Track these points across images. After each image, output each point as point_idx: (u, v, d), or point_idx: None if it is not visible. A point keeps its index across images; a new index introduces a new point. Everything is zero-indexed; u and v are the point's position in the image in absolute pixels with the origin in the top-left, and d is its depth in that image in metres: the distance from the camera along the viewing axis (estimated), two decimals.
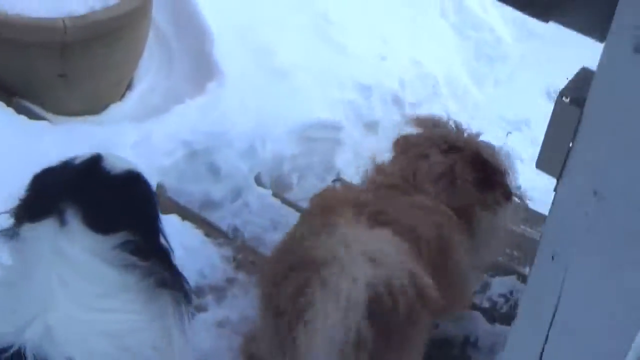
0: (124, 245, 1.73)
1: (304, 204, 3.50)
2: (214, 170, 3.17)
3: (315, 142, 3.65)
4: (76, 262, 1.68)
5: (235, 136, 3.27)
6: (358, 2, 4.44)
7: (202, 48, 3.62)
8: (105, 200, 1.79)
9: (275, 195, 3.31)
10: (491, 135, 5.08)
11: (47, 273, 1.67)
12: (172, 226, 2.10)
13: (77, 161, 1.84)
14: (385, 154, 3.94)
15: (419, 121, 2.56)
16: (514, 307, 2.95)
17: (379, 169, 2.45)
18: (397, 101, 4.15)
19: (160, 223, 1.88)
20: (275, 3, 3.97)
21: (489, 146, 2.47)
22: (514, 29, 5.24)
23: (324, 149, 3.71)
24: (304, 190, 3.58)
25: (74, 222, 1.70)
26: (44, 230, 1.71)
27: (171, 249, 1.87)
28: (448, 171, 2.31)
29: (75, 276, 1.67)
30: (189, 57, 3.65)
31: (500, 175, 2.39)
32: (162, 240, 1.86)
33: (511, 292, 3.02)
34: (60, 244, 1.69)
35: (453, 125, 2.50)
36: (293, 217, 3.26)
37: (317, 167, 3.70)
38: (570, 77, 1.21)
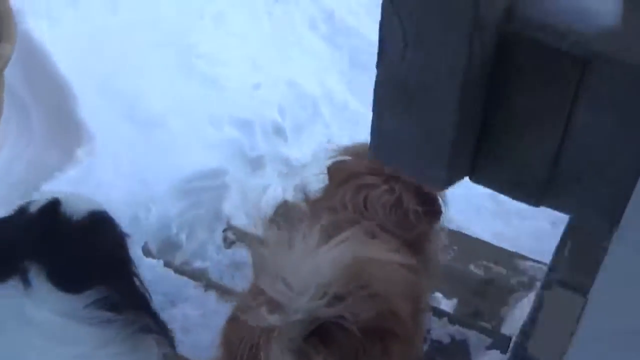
0: (97, 303, 1.58)
1: (196, 264, 3.30)
2: None
3: (200, 193, 3.42)
4: (46, 326, 1.52)
5: (116, 208, 2.95)
6: (225, 29, 4.17)
7: (64, 107, 3.28)
8: (70, 253, 1.64)
9: (166, 264, 3.06)
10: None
11: (14, 343, 1.50)
12: None
13: (33, 209, 1.68)
14: (270, 191, 3.78)
15: (351, 149, 2.50)
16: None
17: (319, 203, 2.34)
18: (279, 130, 3.94)
19: (134, 266, 1.75)
20: (136, 44, 3.65)
21: None
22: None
23: (210, 198, 3.47)
24: (194, 247, 3.36)
25: (39, 283, 1.55)
26: (5, 295, 1.55)
27: (149, 293, 1.74)
28: (397, 202, 2.25)
29: (46, 342, 1.51)
30: (49, 118, 3.30)
31: (437, 201, 2.40)
32: (138, 284, 1.72)
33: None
34: (26, 309, 1.52)
35: None
36: (188, 286, 3.04)
37: (204, 219, 3.46)
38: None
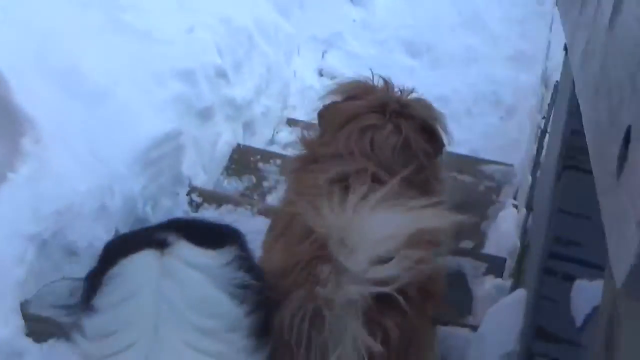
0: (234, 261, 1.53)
1: None
2: (71, 253, 2.72)
3: (159, 161, 3.25)
4: (186, 283, 1.47)
5: (81, 201, 2.80)
6: None
7: None
8: (201, 226, 1.65)
9: None
10: (308, 57, 4.88)
11: (154, 294, 1.45)
12: None
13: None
14: (222, 139, 3.63)
15: (344, 88, 2.39)
16: None
17: (321, 149, 2.20)
18: (220, 72, 3.76)
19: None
20: (58, 8, 3.34)
21: (423, 103, 2.36)
22: None
23: (168, 163, 3.31)
24: (161, 217, 3.21)
25: (178, 243, 1.50)
26: (144, 258, 1.49)
27: None
28: (405, 142, 2.16)
29: (182, 303, 1.46)
30: None
31: (439, 135, 2.32)
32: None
33: None
34: (166, 263, 1.47)
35: (383, 85, 2.34)
36: None
37: (167, 186, 3.32)
38: None
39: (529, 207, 3.38)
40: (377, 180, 2.00)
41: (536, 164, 3.50)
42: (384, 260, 1.61)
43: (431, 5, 5.31)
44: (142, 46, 3.48)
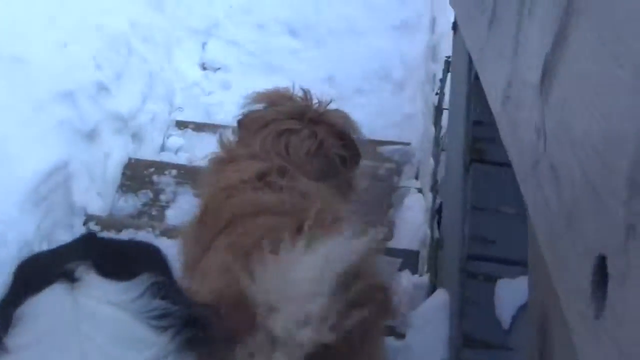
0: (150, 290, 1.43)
1: None
2: None
3: (49, 196, 3.07)
4: (105, 322, 1.38)
5: None
6: None
7: None
8: (114, 253, 1.51)
9: None
10: (188, 46, 4.71)
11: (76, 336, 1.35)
12: None
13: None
14: (113, 157, 3.47)
15: (264, 97, 2.41)
16: None
17: (236, 151, 2.21)
18: (101, 87, 3.57)
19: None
20: None
21: (340, 113, 2.41)
22: None
23: (60, 196, 3.14)
24: None
25: (88, 276, 1.39)
26: (55, 296, 1.37)
27: None
28: (320, 147, 2.21)
29: (107, 343, 1.38)
30: None
31: (357, 146, 2.36)
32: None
33: None
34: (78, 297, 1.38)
35: (301, 95, 2.38)
36: None
37: (62, 220, 3.15)
38: None
39: (435, 191, 3.38)
40: (294, 179, 2.03)
41: (437, 145, 3.49)
42: (311, 319, 1.47)
43: None
44: (14, 73, 3.26)
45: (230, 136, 2.38)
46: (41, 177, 2.99)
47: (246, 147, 2.19)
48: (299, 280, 1.52)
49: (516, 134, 1.13)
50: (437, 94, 3.79)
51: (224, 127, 4.14)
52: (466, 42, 1.83)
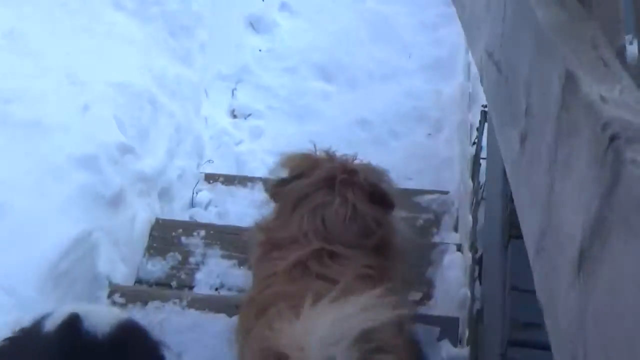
0: None
1: None
2: None
3: (72, 270, 2.96)
4: None
5: None
6: (21, 48, 3.54)
7: None
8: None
9: None
10: (217, 93, 4.61)
11: None
12: None
13: (49, 327, 1.47)
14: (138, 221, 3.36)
15: (291, 163, 2.53)
16: None
17: (277, 232, 2.34)
18: (124, 148, 3.46)
19: None
20: None
21: (368, 167, 2.52)
22: None
23: (83, 269, 3.02)
24: None
25: None
26: None
27: None
28: (353, 212, 2.30)
29: None
30: None
31: (388, 195, 2.45)
32: None
33: None
34: None
35: (325, 156, 2.51)
36: None
37: (85, 294, 3.03)
38: None
39: (474, 249, 3.21)
40: (334, 256, 2.17)
41: (475, 201, 3.32)
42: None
43: (337, 21, 5.05)
44: (32, 139, 3.17)
45: (263, 201, 2.63)
46: (62, 252, 2.88)
47: (284, 229, 2.31)
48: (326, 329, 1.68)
49: (551, 292, 0.97)
50: (474, 143, 3.62)
51: (254, 179, 4.04)
52: (499, 144, 1.68)
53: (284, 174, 2.52)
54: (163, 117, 3.85)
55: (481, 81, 2.14)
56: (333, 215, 2.28)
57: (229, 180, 4.11)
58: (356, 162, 2.51)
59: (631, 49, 1.23)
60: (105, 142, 3.34)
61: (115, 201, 3.28)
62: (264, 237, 2.38)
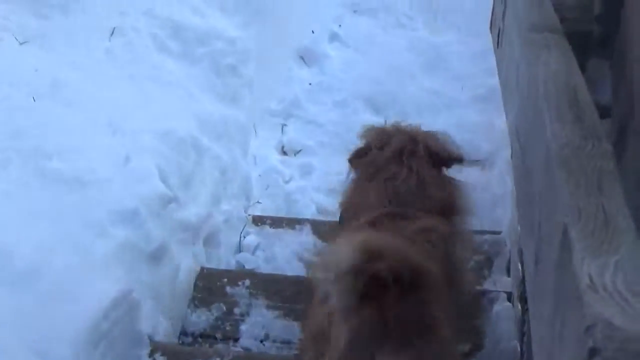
0: None
1: None
2: None
3: (112, 330, 2.92)
4: None
5: None
6: (63, 98, 3.54)
7: None
8: None
9: None
10: (266, 130, 4.56)
11: None
12: None
13: None
14: (182, 272, 3.32)
15: (368, 136, 2.95)
16: None
17: (355, 199, 2.76)
18: (167, 199, 3.42)
19: None
20: None
21: (430, 135, 2.90)
22: (235, 16, 4.53)
23: (123, 328, 2.98)
24: None
25: None
26: None
27: None
28: (418, 180, 2.66)
29: None
30: None
31: (452, 153, 2.87)
32: None
33: None
34: None
35: (394, 129, 2.92)
36: None
37: (125, 353, 3.00)
38: None
39: (522, 300, 3.08)
40: (403, 217, 2.48)
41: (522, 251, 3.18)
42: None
43: (387, 52, 4.96)
44: (74, 195, 3.15)
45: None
46: (101, 313, 2.84)
47: (362, 195, 2.71)
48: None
49: None
50: None
51: (302, 220, 3.97)
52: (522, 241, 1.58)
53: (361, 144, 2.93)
54: (208, 161, 3.81)
55: (511, 147, 2.06)
56: (402, 185, 2.63)
57: (277, 222, 4.05)
58: (420, 131, 2.91)
59: None
60: (146, 194, 3.30)
61: (157, 255, 3.25)
62: (345, 200, 2.82)
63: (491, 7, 3.88)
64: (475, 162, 3.39)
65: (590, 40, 2.30)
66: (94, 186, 3.21)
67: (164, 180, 3.45)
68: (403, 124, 2.98)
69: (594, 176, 0.96)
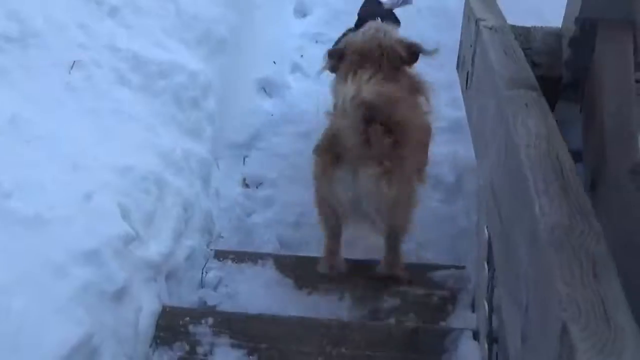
0: None
1: None
2: None
3: None
4: None
5: None
6: (23, 134, 3.46)
7: None
8: None
9: None
10: (227, 163, 4.49)
11: None
12: None
13: None
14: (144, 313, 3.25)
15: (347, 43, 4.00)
16: None
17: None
18: (129, 238, 3.35)
19: None
20: None
21: (394, 39, 3.95)
22: (196, 48, 4.49)
23: None
24: None
25: None
26: None
27: None
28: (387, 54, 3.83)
29: None
30: None
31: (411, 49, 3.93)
32: None
33: None
34: None
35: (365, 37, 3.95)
36: None
37: None
38: None
39: (490, 339, 3.06)
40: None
41: (491, 289, 3.17)
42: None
43: None
44: (33, 235, 3.07)
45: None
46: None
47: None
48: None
49: None
50: None
51: (264, 255, 3.93)
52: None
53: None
54: (170, 197, 3.75)
55: (484, 200, 2.03)
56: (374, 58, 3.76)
57: (240, 257, 4.01)
58: (386, 38, 3.88)
59: None
60: (107, 233, 3.24)
61: (119, 295, 3.18)
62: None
63: (458, 45, 3.90)
64: (430, 52, 3.93)
65: (559, 85, 2.31)
66: (53, 225, 3.13)
67: (125, 217, 3.39)
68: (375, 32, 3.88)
69: (588, 263, 0.94)
